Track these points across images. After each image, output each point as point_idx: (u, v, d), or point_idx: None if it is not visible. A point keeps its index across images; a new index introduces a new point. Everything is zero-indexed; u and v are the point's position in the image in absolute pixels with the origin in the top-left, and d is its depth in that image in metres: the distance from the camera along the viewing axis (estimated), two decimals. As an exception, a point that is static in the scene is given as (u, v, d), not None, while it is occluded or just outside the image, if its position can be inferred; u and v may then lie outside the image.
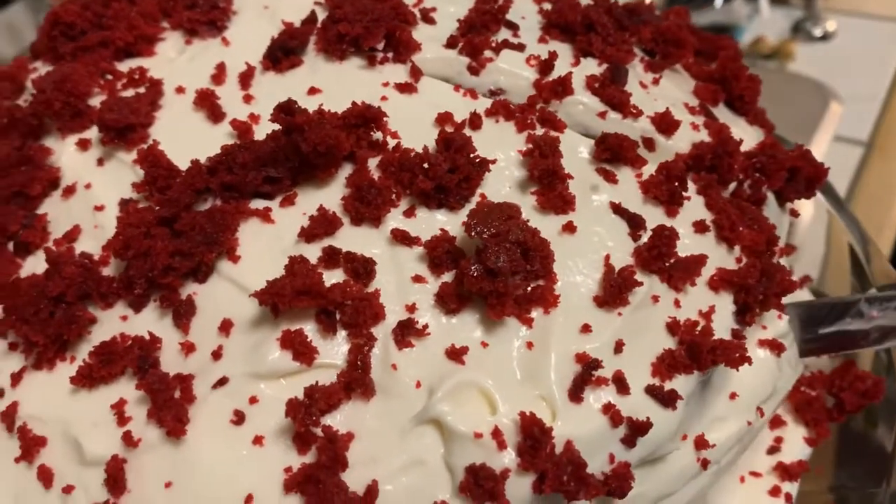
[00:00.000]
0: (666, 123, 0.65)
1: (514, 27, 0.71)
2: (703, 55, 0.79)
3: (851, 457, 0.79)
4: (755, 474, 0.72)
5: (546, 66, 0.67)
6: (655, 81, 0.71)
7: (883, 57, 1.95)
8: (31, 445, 0.55)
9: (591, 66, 0.69)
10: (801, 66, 1.96)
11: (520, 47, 0.69)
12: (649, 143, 0.65)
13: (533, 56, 0.68)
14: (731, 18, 2.08)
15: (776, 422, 0.74)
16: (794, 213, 0.75)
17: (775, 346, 0.66)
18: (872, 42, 2.00)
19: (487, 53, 0.67)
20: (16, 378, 0.57)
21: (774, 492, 0.70)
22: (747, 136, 0.74)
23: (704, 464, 0.60)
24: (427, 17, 0.71)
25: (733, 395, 0.63)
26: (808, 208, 1.00)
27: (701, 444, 0.59)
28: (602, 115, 0.66)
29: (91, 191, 0.63)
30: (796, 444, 0.74)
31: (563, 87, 0.65)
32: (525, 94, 0.66)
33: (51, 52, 0.73)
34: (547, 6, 0.75)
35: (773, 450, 0.73)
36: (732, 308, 0.60)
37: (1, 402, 0.57)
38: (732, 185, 0.68)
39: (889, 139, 1.77)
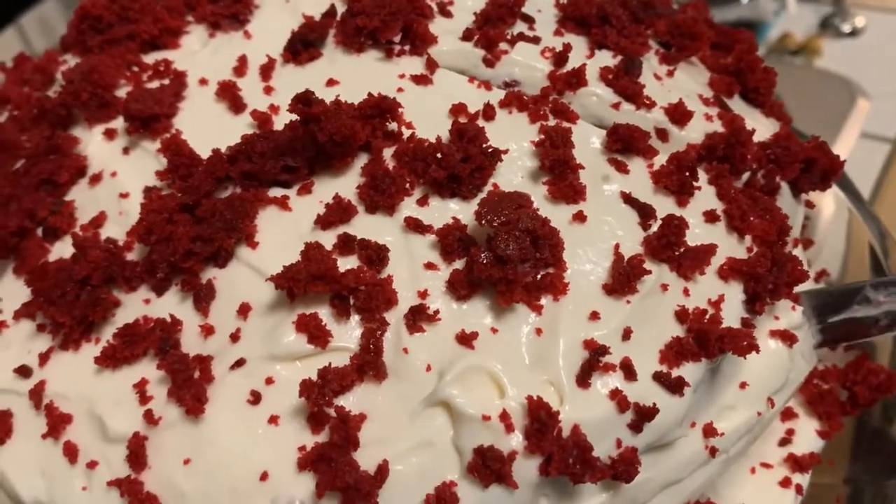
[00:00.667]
0: (679, 114, 0.66)
1: (530, 20, 0.72)
2: (720, 48, 0.80)
3: (866, 450, 0.79)
4: (766, 465, 0.72)
5: (560, 58, 0.67)
6: (670, 73, 0.71)
7: (913, 54, 1.92)
8: (57, 422, 0.57)
9: (606, 58, 0.69)
10: (828, 62, 1.93)
11: (535, 40, 0.70)
12: (662, 134, 0.66)
13: (548, 48, 0.69)
14: (758, 14, 2.06)
15: (788, 414, 0.74)
16: (810, 205, 0.75)
17: (787, 337, 0.66)
18: (902, 38, 1.97)
19: (503, 46, 0.68)
20: (43, 358, 0.60)
21: (785, 483, 0.71)
22: (762, 127, 0.74)
23: (713, 452, 0.60)
24: (444, 11, 0.72)
25: (743, 385, 0.64)
26: (830, 204, 0.99)
27: (709, 431, 0.60)
28: (616, 106, 0.66)
29: (116, 178, 0.65)
30: (808, 437, 0.74)
31: (577, 79, 0.66)
32: (539, 85, 0.67)
33: (79, 44, 0.75)
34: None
35: (784, 441, 0.73)
36: (742, 297, 0.61)
37: (29, 380, 0.59)
38: (746, 176, 0.68)
39: (917, 136, 1.75)
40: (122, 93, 0.69)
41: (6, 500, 0.59)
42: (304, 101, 0.58)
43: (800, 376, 0.69)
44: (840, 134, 1.65)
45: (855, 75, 1.77)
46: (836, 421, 0.74)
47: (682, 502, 0.62)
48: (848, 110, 1.71)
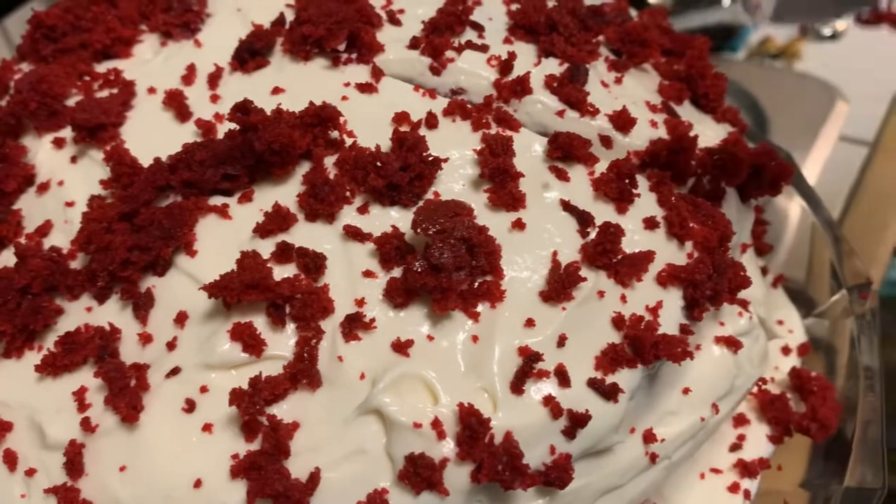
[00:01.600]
0: (623, 121, 0.66)
1: (479, 28, 0.73)
2: (674, 54, 0.80)
3: (822, 453, 0.79)
4: (715, 471, 0.72)
5: (506, 66, 0.68)
6: (618, 80, 0.72)
7: (892, 57, 1.92)
8: (-2, 430, 0.57)
9: (553, 66, 0.70)
10: (808, 65, 1.94)
11: (483, 48, 0.70)
12: (606, 141, 0.66)
13: (494, 56, 0.69)
14: (738, 18, 2.07)
15: (740, 420, 0.75)
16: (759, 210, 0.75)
17: (732, 343, 0.67)
18: (882, 42, 1.98)
19: (449, 54, 0.69)
20: (-14, 366, 0.60)
21: (734, 488, 0.71)
22: (712, 133, 0.74)
23: (653, 458, 0.61)
24: (393, 19, 0.73)
25: (686, 391, 0.64)
26: (796, 209, 1.00)
27: (650, 437, 0.61)
28: (560, 113, 0.67)
29: (63, 187, 0.65)
30: (759, 442, 0.74)
31: (521, 87, 0.67)
32: (485, 93, 0.68)
33: (34, 53, 0.76)
34: (515, 7, 0.76)
35: (735, 447, 0.73)
36: (681, 303, 0.61)
37: (-29, 388, 0.60)
38: (691, 182, 0.69)
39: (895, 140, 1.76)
40: (73, 102, 0.70)
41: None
42: (242, 110, 0.59)
43: (747, 382, 0.70)
44: (818, 136, 1.66)
45: (834, 79, 1.78)
46: (786, 426, 0.74)
47: (623, 507, 0.62)
48: (827, 113, 1.72)
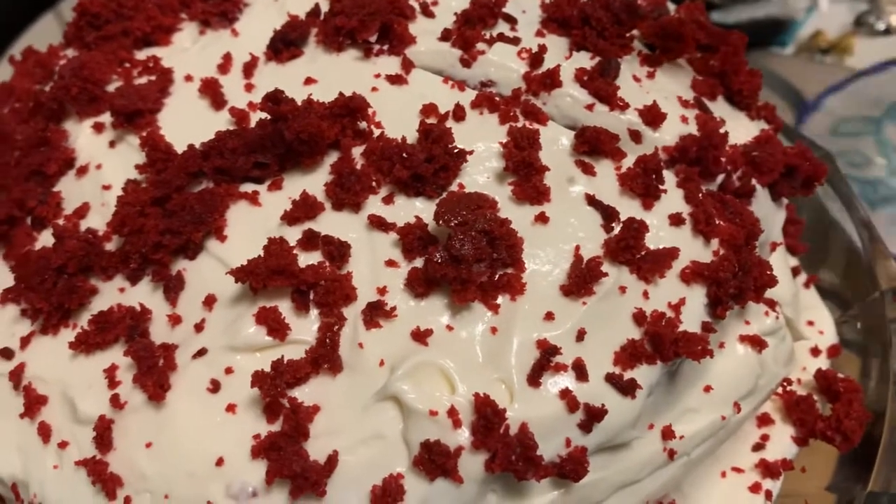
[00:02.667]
0: (653, 116, 0.66)
1: (512, 21, 0.73)
2: (710, 50, 0.79)
3: (848, 457, 0.78)
4: (737, 470, 0.72)
5: (536, 58, 0.68)
6: (650, 75, 0.71)
7: (945, 53, 1.87)
8: (33, 403, 0.60)
9: (584, 60, 0.70)
10: (861, 61, 1.89)
11: (514, 41, 0.70)
12: (636, 136, 0.66)
13: (525, 49, 0.69)
14: (787, 11, 2.02)
15: (764, 419, 0.74)
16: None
17: (757, 343, 0.66)
18: (936, 38, 1.92)
19: (480, 46, 0.69)
20: (24, 341, 0.63)
21: (755, 488, 0.71)
22: (746, 130, 0.73)
23: (671, 454, 0.61)
24: (427, 11, 0.73)
25: (707, 388, 0.64)
26: (832, 208, 0.98)
27: (668, 434, 0.61)
28: (590, 107, 0.67)
29: (101, 171, 0.68)
30: (783, 443, 0.74)
31: (551, 80, 0.67)
32: (515, 86, 0.68)
33: (78, 40, 0.78)
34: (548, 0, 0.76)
35: (758, 447, 0.73)
36: (704, 301, 0.61)
37: (10, 362, 0.62)
38: (721, 178, 0.68)
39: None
40: (113, 88, 0.72)
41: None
42: (273, 100, 0.60)
43: (772, 382, 0.69)
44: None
45: (887, 74, 1.73)
46: (811, 428, 0.73)
47: (640, 503, 0.62)
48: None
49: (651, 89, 0.70)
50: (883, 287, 0.83)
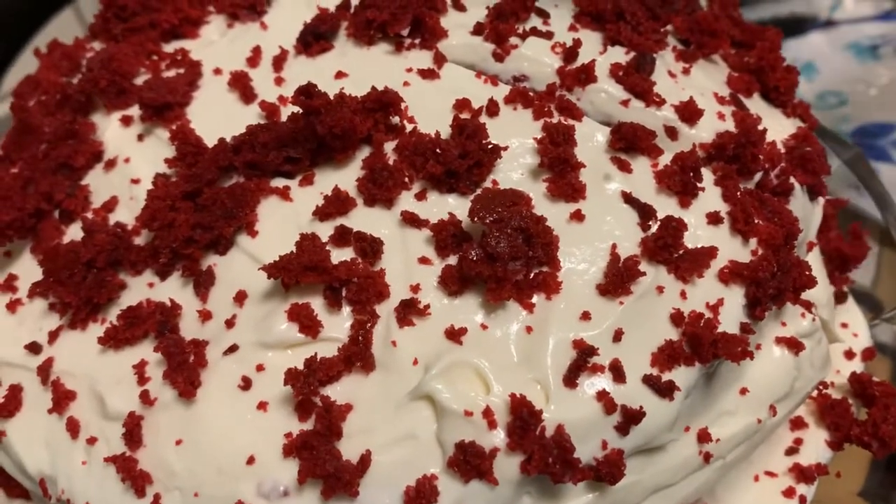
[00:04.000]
0: (689, 112, 0.65)
1: (544, 15, 0.72)
2: (744, 46, 0.78)
3: (883, 462, 0.77)
4: (770, 474, 0.71)
5: (570, 53, 0.67)
6: (685, 71, 0.70)
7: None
8: (62, 398, 0.59)
9: (618, 55, 0.69)
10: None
11: (547, 35, 0.69)
12: (672, 132, 0.65)
13: (558, 44, 0.68)
14: (812, 9, 2.00)
15: (797, 423, 0.73)
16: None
17: (794, 345, 0.65)
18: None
19: (513, 40, 0.68)
20: (53, 335, 0.62)
21: (789, 493, 0.69)
22: (781, 128, 0.72)
23: (707, 457, 0.60)
24: (458, 4, 0.72)
25: (744, 391, 0.63)
26: (866, 207, 0.97)
27: (704, 437, 0.59)
28: (625, 103, 0.66)
29: (130, 164, 0.67)
30: (817, 447, 0.72)
31: (586, 75, 0.66)
32: (548, 81, 0.67)
33: (105, 32, 0.78)
34: None
35: (791, 451, 0.71)
36: (743, 302, 0.59)
37: (39, 357, 0.62)
38: (758, 176, 0.67)
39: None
40: (141, 81, 0.71)
41: (13, 472, 0.61)
42: (305, 94, 0.59)
43: (808, 385, 0.68)
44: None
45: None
46: (846, 433, 0.72)
47: (674, 506, 0.61)
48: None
49: (686, 85, 0.69)
50: (919, 289, 0.82)
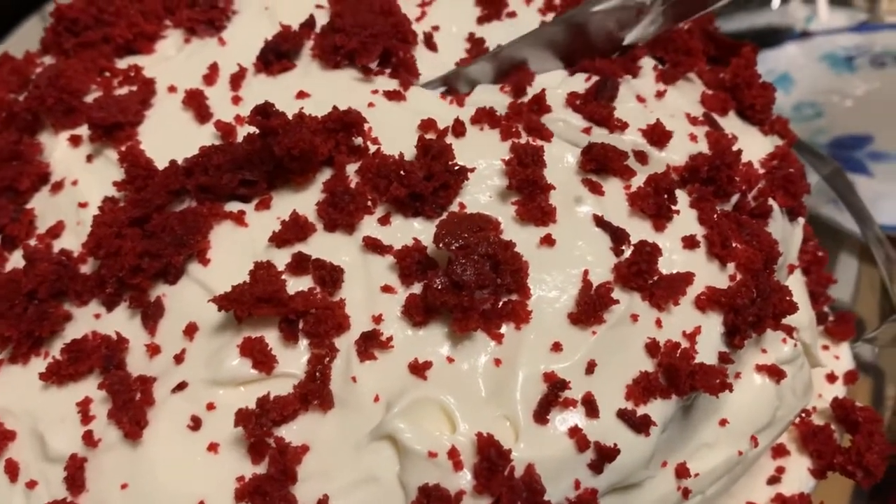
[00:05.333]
0: (657, 135, 0.62)
1: None
2: (719, 62, 0.76)
3: (866, 491, 0.75)
4: (752, 504, 0.68)
5: (518, 88, 0.65)
6: (660, 94, 0.67)
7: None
8: (0, 439, 0.55)
9: (578, 83, 0.66)
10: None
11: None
12: (641, 157, 0.62)
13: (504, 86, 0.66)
14: (788, 20, 2.00)
15: (779, 450, 0.70)
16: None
17: (775, 373, 0.62)
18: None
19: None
20: (-8, 371, 0.58)
21: (771, 524, 0.67)
22: (760, 147, 0.70)
23: (686, 493, 0.57)
24: (430, 43, 0.70)
25: (723, 422, 0.60)
26: (849, 224, 0.95)
27: (682, 472, 0.57)
28: (587, 130, 0.63)
29: (77, 187, 0.63)
30: (800, 476, 0.70)
31: (539, 106, 0.63)
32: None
33: (56, 46, 0.74)
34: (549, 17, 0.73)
35: (773, 479, 0.69)
36: (721, 329, 0.57)
37: (-23, 394, 0.58)
38: (735, 198, 0.64)
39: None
40: (92, 98, 0.68)
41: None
42: (262, 113, 0.56)
43: (790, 413, 0.65)
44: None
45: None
46: (830, 461, 0.69)
47: (652, 544, 0.58)
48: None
49: (655, 108, 0.67)
50: (903, 310, 0.80)
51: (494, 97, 0.65)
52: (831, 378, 0.78)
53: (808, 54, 1.67)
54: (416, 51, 0.69)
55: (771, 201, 0.65)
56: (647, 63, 0.71)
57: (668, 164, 0.62)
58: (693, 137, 0.64)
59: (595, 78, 0.66)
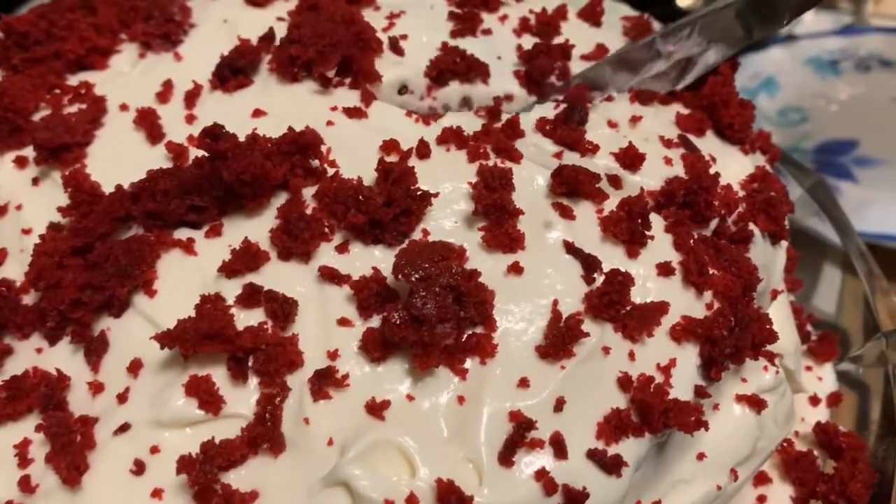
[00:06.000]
0: (630, 158, 0.60)
1: (483, 70, 0.67)
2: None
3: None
4: (733, 537, 0.65)
5: (492, 113, 0.62)
6: (635, 119, 0.65)
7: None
8: (-66, 484, 0.52)
9: (547, 110, 0.64)
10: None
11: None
12: (615, 181, 0.59)
13: (481, 108, 0.64)
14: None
15: (761, 478, 0.68)
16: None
17: (755, 403, 0.60)
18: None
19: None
20: (-73, 410, 0.55)
21: (752, 557, 0.64)
22: (740, 166, 0.67)
23: (661, 533, 0.54)
24: (396, 48, 0.67)
25: (701, 456, 0.57)
26: (833, 237, 0.93)
27: (657, 511, 0.54)
28: (558, 155, 0.60)
29: (22, 212, 0.60)
30: (782, 504, 0.67)
31: (512, 130, 0.60)
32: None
33: (5, 61, 0.70)
34: (527, 42, 0.70)
35: (754, 510, 0.67)
36: (697, 361, 0.54)
37: (-89, 434, 0.54)
38: (714, 223, 0.62)
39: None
40: (40, 117, 0.64)
41: None
42: (211, 136, 0.53)
43: (771, 444, 0.63)
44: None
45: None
46: (812, 489, 0.67)
47: (627, 586, 0.55)
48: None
49: (628, 132, 0.64)
50: (884, 328, 0.77)
51: (471, 120, 0.62)
52: (814, 401, 0.75)
53: (794, 58, 1.65)
54: (381, 57, 0.66)
55: (752, 226, 0.62)
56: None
57: (641, 188, 0.59)
58: (668, 161, 0.61)
59: (563, 105, 0.63)
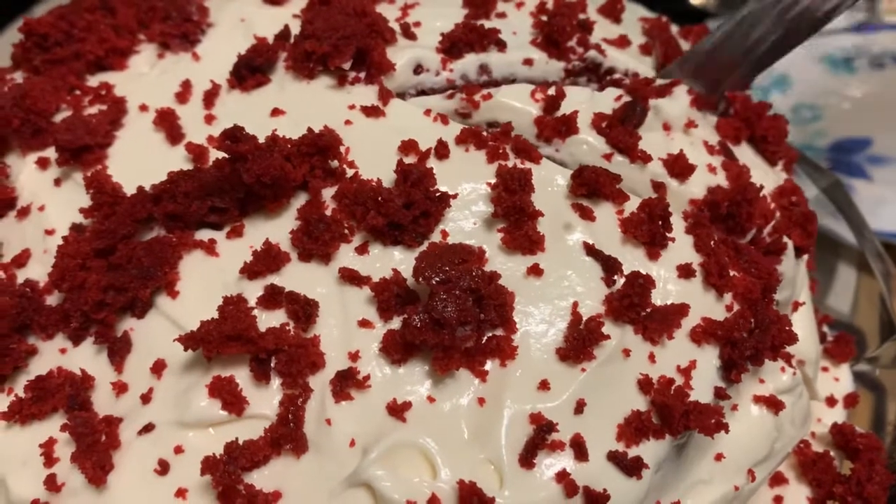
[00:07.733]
0: (680, 168, 0.60)
1: (501, 45, 0.66)
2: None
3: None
4: (749, 537, 0.65)
5: (552, 103, 0.62)
6: (690, 124, 0.64)
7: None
8: (-40, 483, 0.52)
9: (607, 100, 0.63)
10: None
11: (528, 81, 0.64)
12: (660, 188, 0.59)
13: (539, 88, 0.63)
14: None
15: (777, 478, 0.68)
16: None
17: (773, 404, 0.60)
18: None
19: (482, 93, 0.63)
20: (-47, 410, 0.55)
21: (769, 557, 0.64)
22: (770, 179, 0.67)
23: (679, 533, 0.54)
24: (408, 32, 0.67)
25: (720, 457, 0.57)
26: (848, 236, 0.93)
27: (676, 512, 0.54)
28: (607, 157, 0.60)
29: (44, 213, 0.60)
30: (799, 506, 0.67)
31: (566, 127, 0.60)
32: (525, 130, 0.62)
33: (26, 62, 0.71)
34: (544, 17, 0.69)
35: (771, 510, 0.67)
36: (717, 363, 0.54)
37: (-62, 434, 0.55)
38: (751, 234, 0.62)
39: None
40: (61, 118, 0.65)
41: None
42: (231, 138, 0.53)
43: (788, 445, 0.63)
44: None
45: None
46: (829, 490, 0.67)
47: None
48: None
49: (677, 136, 0.64)
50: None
51: (525, 105, 0.62)
52: (831, 402, 0.75)
53: (807, 55, 1.64)
54: (395, 46, 0.66)
55: (786, 239, 0.62)
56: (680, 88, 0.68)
57: (690, 199, 0.59)
58: (711, 168, 0.61)
59: (625, 98, 0.63)
